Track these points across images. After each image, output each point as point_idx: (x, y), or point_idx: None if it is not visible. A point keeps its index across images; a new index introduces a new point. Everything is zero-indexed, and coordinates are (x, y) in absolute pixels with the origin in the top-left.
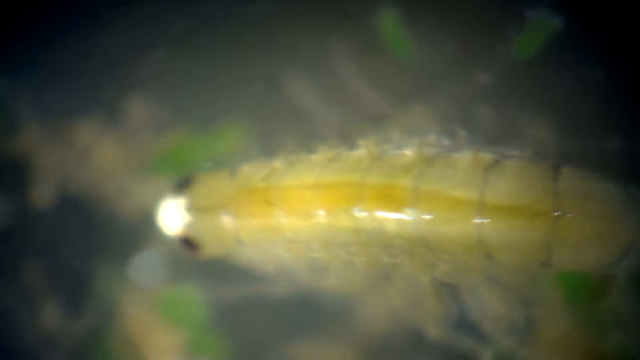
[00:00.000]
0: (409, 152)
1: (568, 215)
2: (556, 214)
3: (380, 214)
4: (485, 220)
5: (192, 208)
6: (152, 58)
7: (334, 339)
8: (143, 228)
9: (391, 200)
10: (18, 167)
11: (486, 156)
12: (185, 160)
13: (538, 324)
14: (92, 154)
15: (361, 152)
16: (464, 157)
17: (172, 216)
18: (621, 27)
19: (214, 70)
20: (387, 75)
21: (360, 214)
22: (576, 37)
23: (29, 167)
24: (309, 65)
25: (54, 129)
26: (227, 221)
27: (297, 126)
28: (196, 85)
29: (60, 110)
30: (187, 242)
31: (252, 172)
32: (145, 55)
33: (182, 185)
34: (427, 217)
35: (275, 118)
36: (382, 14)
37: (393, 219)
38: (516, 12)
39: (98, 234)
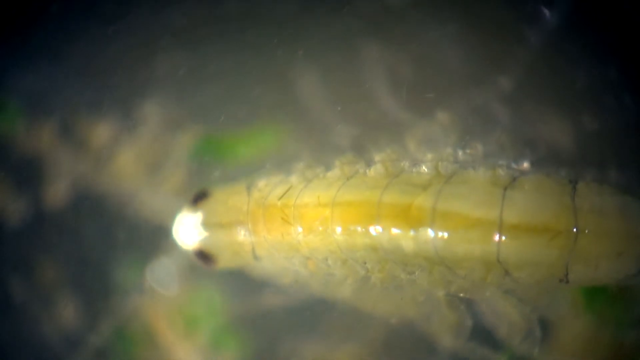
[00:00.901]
0: (426, 169)
1: (586, 232)
2: (574, 230)
3: (398, 233)
4: (504, 239)
5: (208, 223)
6: (167, 58)
7: (348, 343)
8: (160, 228)
9: (409, 219)
10: (34, 165)
11: (503, 172)
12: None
13: (553, 331)
14: (107, 153)
15: (378, 168)
16: (481, 174)
17: (188, 230)
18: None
19: (228, 70)
20: (407, 80)
21: (377, 232)
22: (593, 35)
23: (45, 164)
24: (325, 66)
25: (70, 128)
26: (243, 237)
27: (312, 133)
28: (210, 85)
29: (76, 109)
30: (203, 255)
31: (268, 189)
32: (160, 55)
33: (199, 199)
34: (445, 236)
35: (290, 124)
36: None
37: (411, 237)
38: (535, 12)
39: (114, 233)
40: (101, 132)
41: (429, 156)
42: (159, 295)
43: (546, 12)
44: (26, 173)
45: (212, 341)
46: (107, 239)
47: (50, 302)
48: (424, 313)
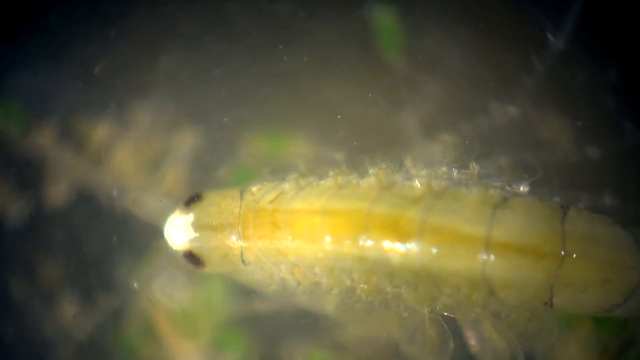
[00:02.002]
0: (418, 184)
1: (573, 257)
2: (561, 254)
3: (386, 244)
4: (491, 258)
5: (199, 225)
6: (166, 58)
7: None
8: (158, 228)
9: (398, 231)
10: (34, 165)
11: (495, 193)
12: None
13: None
14: (107, 153)
15: (371, 180)
16: (474, 193)
17: (179, 231)
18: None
19: (231, 73)
20: (410, 96)
21: (366, 242)
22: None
23: (45, 164)
24: (329, 73)
25: (71, 128)
26: (232, 241)
27: (311, 140)
28: (210, 86)
29: (77, 110)
30: (192, 257)
31: (261, 193)
32: (162, 57)
33: (192, 201)
34: (432, 250)
35: (290, 130)
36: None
37: (398, 249)
38: (540, 37)
39: (114, 232)
40: (102, 132)
41: (423, 172)
42: (160, 297)
43: (551, 37)
44: (26, 173)
45: (213, 342)
46: (108, 239)
47: (51, 302)
48: (408, 330)
